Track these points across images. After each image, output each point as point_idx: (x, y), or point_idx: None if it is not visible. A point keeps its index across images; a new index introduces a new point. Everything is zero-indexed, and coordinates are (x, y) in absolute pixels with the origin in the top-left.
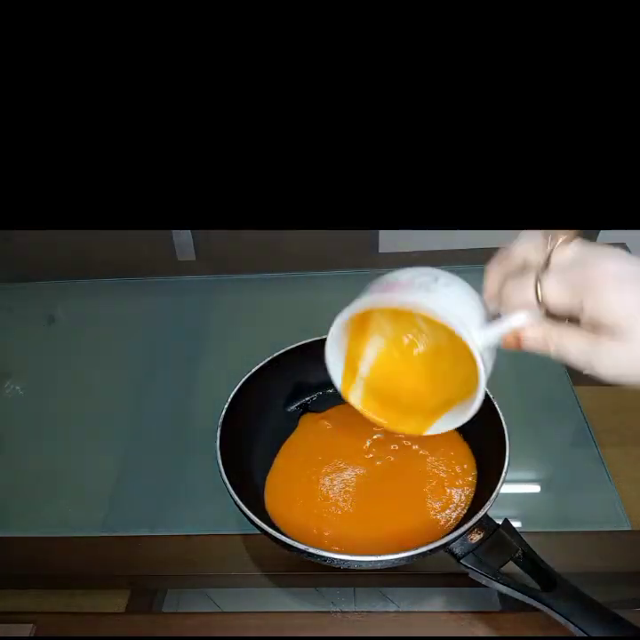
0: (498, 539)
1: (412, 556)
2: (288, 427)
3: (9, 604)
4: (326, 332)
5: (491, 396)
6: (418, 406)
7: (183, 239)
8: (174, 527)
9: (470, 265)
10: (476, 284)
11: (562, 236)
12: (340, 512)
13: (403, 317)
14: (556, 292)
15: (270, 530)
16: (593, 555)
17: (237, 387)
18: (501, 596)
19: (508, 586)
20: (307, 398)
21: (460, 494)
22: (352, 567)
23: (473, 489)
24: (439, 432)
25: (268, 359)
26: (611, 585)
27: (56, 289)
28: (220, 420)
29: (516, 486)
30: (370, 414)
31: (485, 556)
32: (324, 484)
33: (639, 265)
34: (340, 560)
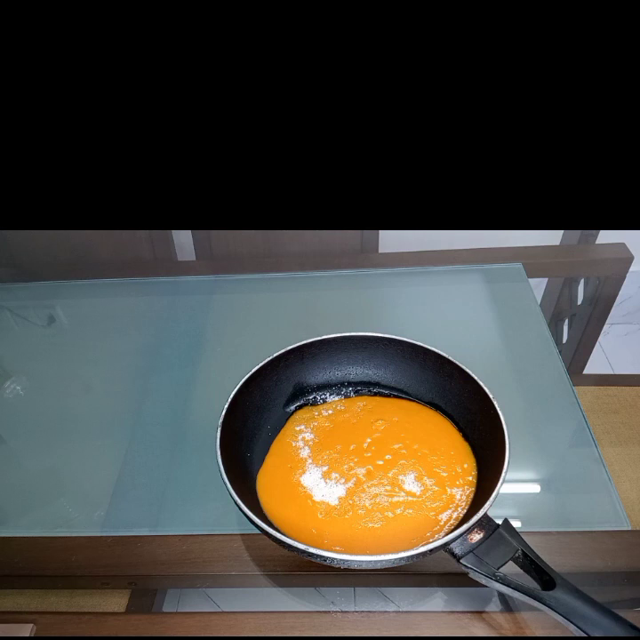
0: (498, 539)
1: (412, 556)
2: None
3: (9, 604)
4: (326, 332)
5: (491, 397)
6: None
7: (183, 239)
8: (174, 527)
9: (470, 265)
10: (476, 285)
11: None
12: (338, 511)
13: None
14: None
15: (270, 530)
16: (593, 555)
17: (237, 387)
18: (501, 596)
19: (508, 586)
20: (306, 398)
21: (461, 494)
22: (352, 567)
23: (473, 488)
24: None
25: (268, 359)
26: (611, 585)
27: (56, 289)
28: (220, 420)
29: (516, 486)
30: None
31: (485, 556)
32: (322, 483)
33: None
34: (340, 560)
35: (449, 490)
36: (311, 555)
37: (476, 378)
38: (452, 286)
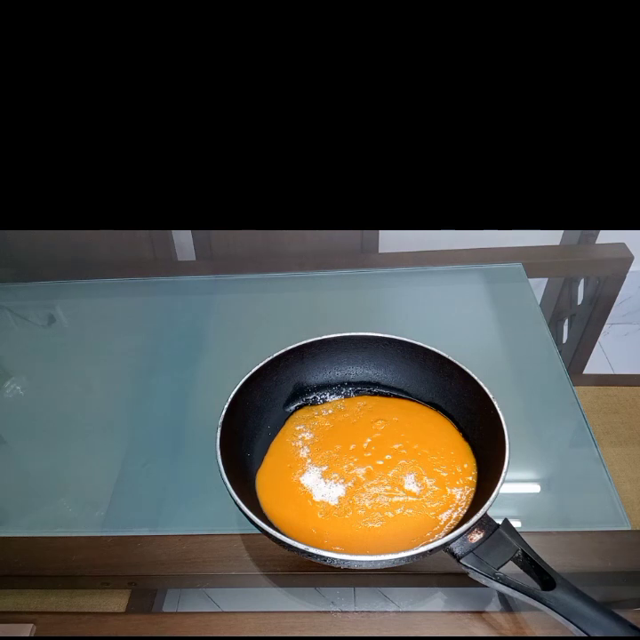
0: (498, 539)
1: (412, 556)
2: None
3: (9, 604)
4: (326, 332)
5: (491, 397)
6: None
7: (183, 239)
8: (174, 527)
9: (470, 265)
10: (476, 285)
11: None
12: (338, 511)
13: None
14: None
15: (270, 530)
16: (593, 555)
17: (237, 387)
18: (501, 595)
19: (508, 586)
20: (306, 398)
21: (461, 494)
22: (352, 567)
23: (473, 488)
24: None
25: (268, 359)
26: (611, 585)
27: (56, 289)
28: (220, 420)
29: (516, 486)
30: None
31: (485, 556)
32: (322, 483)
33: None
34: (340, 560)
35: (449, 490)
36: (311, 555)
37: (476, 378)
38: (452, 286)
